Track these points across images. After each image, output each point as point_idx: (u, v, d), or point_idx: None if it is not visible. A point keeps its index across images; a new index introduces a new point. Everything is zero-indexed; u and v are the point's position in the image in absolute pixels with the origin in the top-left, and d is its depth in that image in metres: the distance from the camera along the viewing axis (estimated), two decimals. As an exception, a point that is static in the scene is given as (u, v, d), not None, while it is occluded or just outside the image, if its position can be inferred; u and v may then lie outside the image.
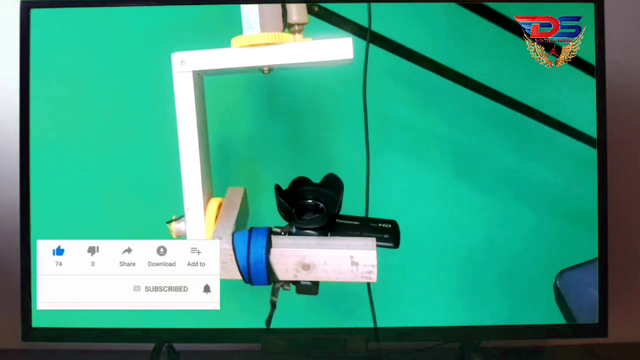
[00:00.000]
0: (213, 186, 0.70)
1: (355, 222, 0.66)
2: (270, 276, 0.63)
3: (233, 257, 0.63)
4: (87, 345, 0.83)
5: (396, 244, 0.65)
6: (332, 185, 0.67)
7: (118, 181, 0.80)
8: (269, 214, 0.67)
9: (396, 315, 0.80)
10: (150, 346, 0.80)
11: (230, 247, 0.63)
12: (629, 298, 0.94)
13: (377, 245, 0.63)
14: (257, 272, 0.63)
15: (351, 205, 0.68)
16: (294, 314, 0.79)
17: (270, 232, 0.64)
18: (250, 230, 0.64)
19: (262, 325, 0.78)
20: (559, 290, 0.79)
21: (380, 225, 0.66)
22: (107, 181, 0.80)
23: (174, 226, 0.67)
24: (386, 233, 0.65)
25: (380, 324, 0.78)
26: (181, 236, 0.66)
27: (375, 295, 0.77)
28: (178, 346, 0.82)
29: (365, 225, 0.65)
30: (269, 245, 0.63)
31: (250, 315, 0.79)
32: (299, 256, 0.63)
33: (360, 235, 0.65)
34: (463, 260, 0.81)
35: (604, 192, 0.78)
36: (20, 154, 0.78)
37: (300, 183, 0.68)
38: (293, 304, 0.77)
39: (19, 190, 0.78)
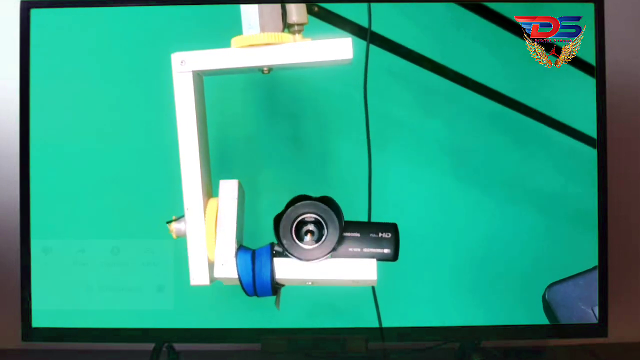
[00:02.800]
0: (213, 186, 0.70)
1: (356, 234, 0.66)
2: (275, 290, 0.65)
3: (237, 279, 0.64)
4: (87, 345, 0.83)
5: (395, 257, 0.65)
6: (331, 204, 0.66)
7: (118, 181, 0.80)
8: (268, 213, 0.66)
9: (396, 315, 0.80)
10: (150, 346, 0.80)
11: (235, 274, 0.64)
12: (629, 298, 0.94)
13: (377, 260, 0.65)
14: (262, 293, 0.65)
15: (352, 205, 0.68)
16: (294, 314, 0.79)
17: (272, 255, 0.64)
18: (253, 254, 0.65)
19: (262, 325, 0.78)
20: (547, 303, 0.79)
21: (380, 235, 0.66)
22: (107, 181, 0.80)
23: (174, 226, 0.66)
24: (386, 245, 0.66)
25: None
26: (181, 236, 0.66)
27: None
28: (178, 346, 0.82)
29: (366, 237, 0.66)
30: (273, 272, 0.64)
31: (250, 315, 0.79)
32: (302, 280, 0.65)
33: (361, 251, 0.65)
34: (463, 260, 0.81)
35: (604, 192, 0.78)
36: (20, 154, 0.78)
37: (299, 200, 0.67)
38: (293, 304, 0.77)
39: (19, 190, 0.78)
